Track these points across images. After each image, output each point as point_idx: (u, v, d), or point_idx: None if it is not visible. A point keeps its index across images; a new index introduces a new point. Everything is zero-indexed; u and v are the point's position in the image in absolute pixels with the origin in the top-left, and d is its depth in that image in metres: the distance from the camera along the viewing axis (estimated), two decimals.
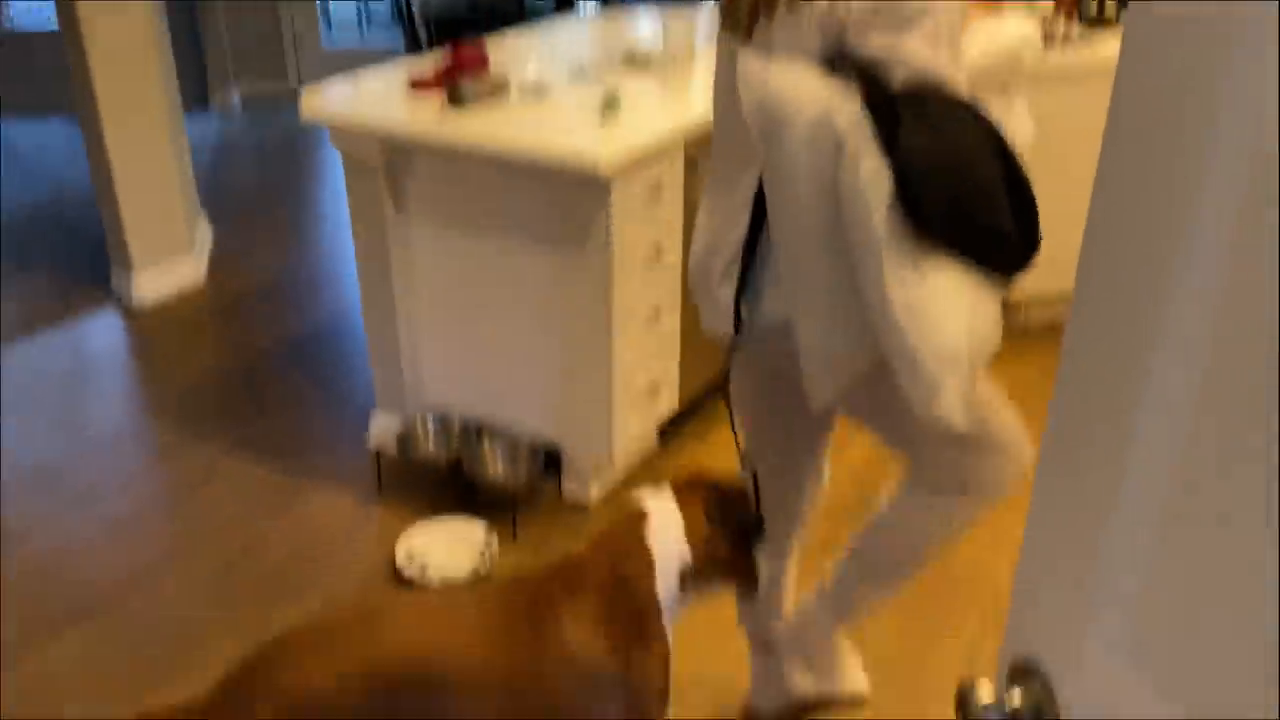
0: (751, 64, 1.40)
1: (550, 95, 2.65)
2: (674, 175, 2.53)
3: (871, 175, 1.31)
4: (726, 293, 1.56)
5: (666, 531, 1.56)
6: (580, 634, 1.47)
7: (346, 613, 1.56)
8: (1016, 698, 0.85)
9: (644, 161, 2.39)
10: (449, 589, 1.60)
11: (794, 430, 1.78)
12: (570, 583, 1.52)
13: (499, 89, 2.62)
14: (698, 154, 2.61)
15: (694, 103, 2.64)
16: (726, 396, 1.73)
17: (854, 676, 2.13)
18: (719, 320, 1.61)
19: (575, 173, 2.28)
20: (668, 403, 2.79)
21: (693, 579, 1.57)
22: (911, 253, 1.33)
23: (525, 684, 1.46)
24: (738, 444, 1.71)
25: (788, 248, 1.44)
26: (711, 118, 1.65)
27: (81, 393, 3.29)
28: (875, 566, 1.80)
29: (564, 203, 2.38)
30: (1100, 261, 0.74)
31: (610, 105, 2.51)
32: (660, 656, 1.53)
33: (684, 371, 2.81)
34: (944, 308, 1.34)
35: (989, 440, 1.61)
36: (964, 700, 0.85)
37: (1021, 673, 0.87)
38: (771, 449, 1.76)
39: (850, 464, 2.81)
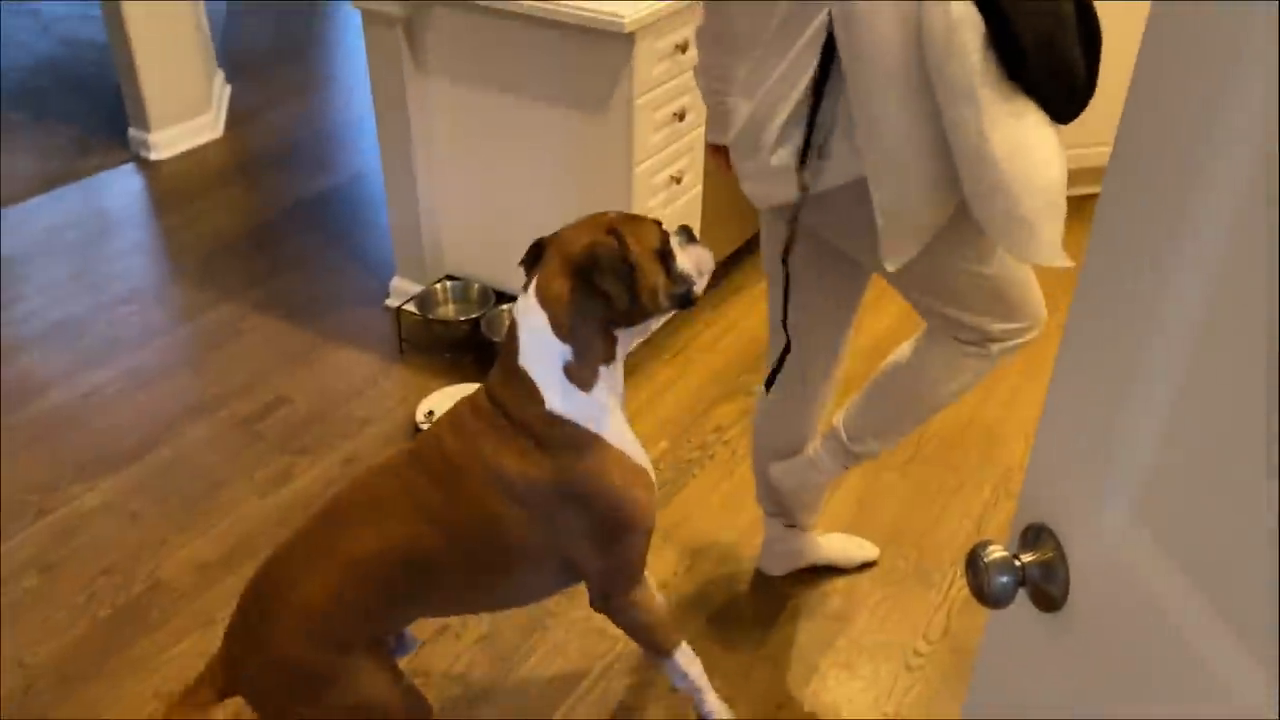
0: None
1: None
2: None
3: (964, 14, 1.27)
4: (785, 155, 1.49)
5: (537, 343, 1.45)
6: (503, 467, 1.45)
7: (309, 524, 1.53)
8: (1028, 558, 0.86)
9: (670, 18, 2.31)
10: (377, 469, 1.54)
11: (837, 292, 1.76)
12: (467, 433, 1.49)
13: None
14: None
15: None
16: (785, 260, 1.63)
17: (863, 544, 2.17)
18: (775, 186, 1.53)
19: (598, 26, 2.21)
20: None
21: (590, 360, 1.47)
22: (1007, 94, 1.31)
23: (477, 534, 1.48)
24: (774, 309, 1.68)
25: (866, 98, 1.38)
26: None
27: (102, 248, 3.29)
28: (884, 408, 1.77)
29: (586, 60, 2.31)
30: (1136, 142, 0.72)
31: None
32: (593, 462, 1.47)
33: (704, 238, 2.77)
34: (1043, 147, 1.34)
35: (1015, 303, 1.60)
36: (974, 559, 0.85)
37: (1034, 536, 0.87)
38: (808, 311, 1.74)
39: (874, 332, 2.80)
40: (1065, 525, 0.85)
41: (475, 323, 2.67)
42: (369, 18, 2.54)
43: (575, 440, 1.47)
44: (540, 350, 1.46)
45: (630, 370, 2.70)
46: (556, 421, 1.46)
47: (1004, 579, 0.85)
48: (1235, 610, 0.66)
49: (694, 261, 1.56)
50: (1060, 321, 0.86)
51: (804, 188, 1.50)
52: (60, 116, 4.07)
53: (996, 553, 0.85)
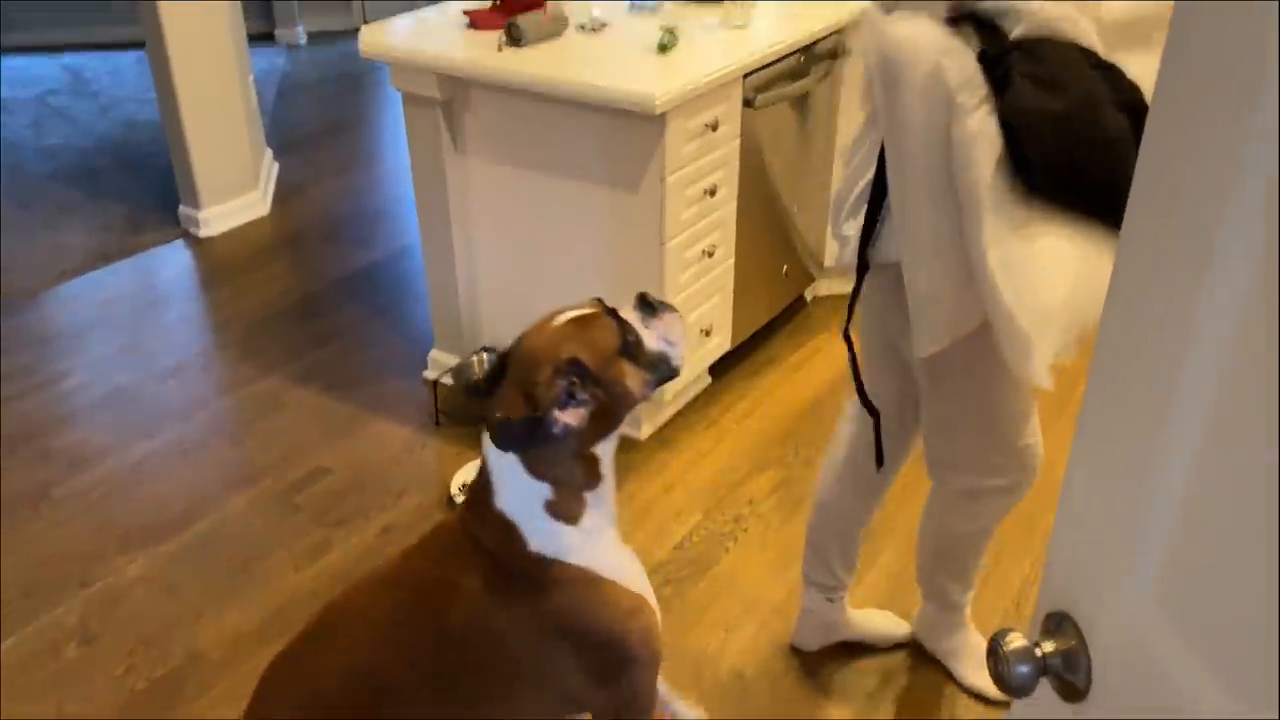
0: (874, 15, 1.42)
1: (608, 32, 2.63)
2: (731, 113, 2.50)
3: (978, 131, 1.31)
4: (850, 230, 1.59)
5: (512, 484, 1.34)
6: (487, 608, 1.36)
7: (305, 630, 1.46)
8: (1049, 647, 0.85)
9: (700, 99, 2.36)
10: (364, 585, 1.45)
11: (896, 377, 1.77)
12: (447, 564, 1.39)
13: (557, 26, 2.61)
14: (755, 93, 2.57)
15: (752, 42, 2.60)
16: (846, 333, 1.69)
17: (898, 622, 2.15)
18: (843, 255, 1.64)
19: (630, 108, 2.27)
20: (720, 342, 2.79)
21: (574, 490, 1.36)
22: (1018, 211, 1.33)
23: (463, 667, 1.38)
24: (857, 380, 1.71)
25: (898, 194, 1.44)
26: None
27: (151, 322, 3.39)
28: (937, 564, 1.95)
29: (619, 139, 2.37)
30: (1141, 244, 0.73)
31: (668, 42, 2.48)
32: (586, 599, 1.38)
33: (737, 310, 2.81)
34: (1045, 269, 1.34)
35: (1008, 447, 1.69)
36: (994, 648, 0.85)
37: (1056, 624, 0.87)
38: (877, 392, 1.76)
39: None
40: (1086, 613, 0.84)
41: None
42: (410, 100, 2.62)
43: (564, 578, 1.36)
44: (517, 491, 1.34)
45: (665, 443, 2.71)
46: (542, 562, 1.35)
47: (1024, 669, 0.85)
48: (1257, 705, 0.65)
49: (663, 334, 1.42)
50: (1075, 411, 0.87)
51: (862, 259, 1.55)
52: (115, 195, 4.21)
53: (1016, 642, 0.85)
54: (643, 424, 2.72)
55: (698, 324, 2.66)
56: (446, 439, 2.76)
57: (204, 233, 3.86)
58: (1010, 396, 1.64)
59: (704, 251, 2.58)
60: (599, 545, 1.40)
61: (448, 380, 2.79)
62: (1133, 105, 1.30)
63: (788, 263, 3.02)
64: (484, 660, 1.38)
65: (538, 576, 1.36)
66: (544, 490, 1.34)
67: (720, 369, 2.91)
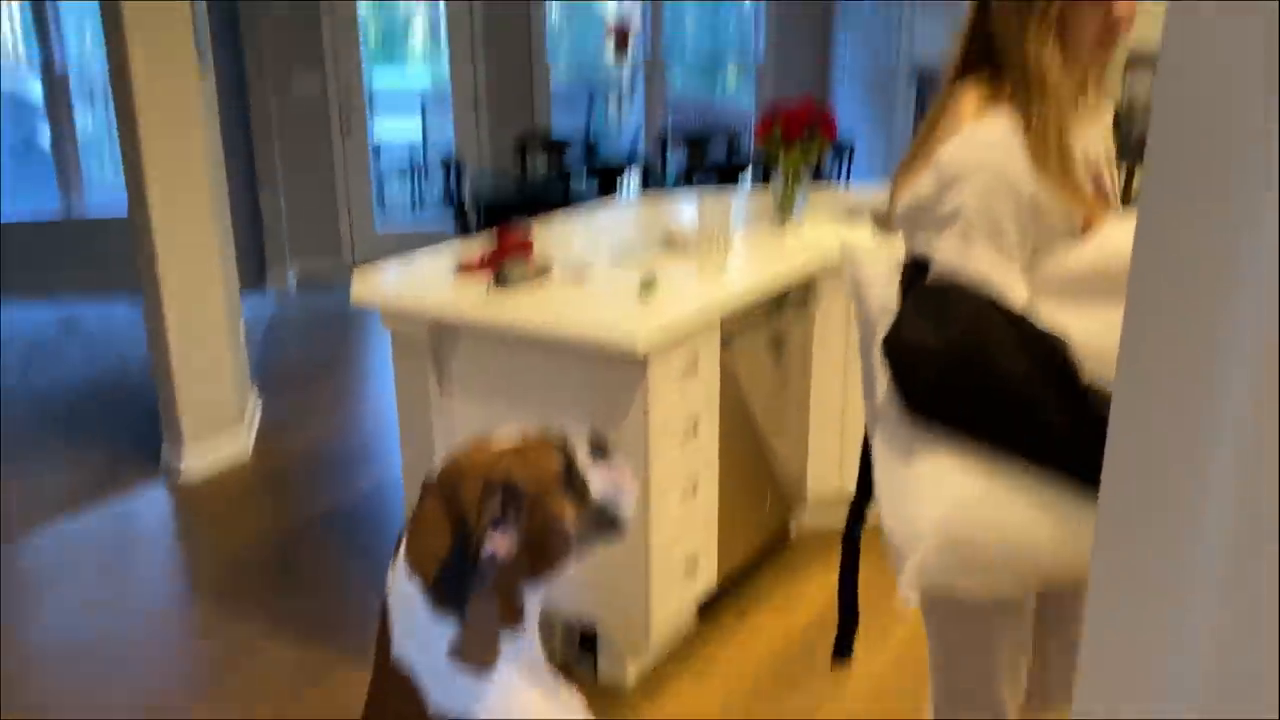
0: (853, 248, 1.60)
1: (591, 277, 2.75)
2: (710, 351, 2.58)
3: (880, 359, 1.41)
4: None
5: (412, 623, 1.25)
6: None
7: None
8: None
9: (680, 339, 2.45)
10: None
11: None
12: None
13: (542, 271, 2.73)
14: (733, 334, 2.66)
15: (729, 282, 2.72)
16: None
17: None
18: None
19: (613, 351, 2.34)
20: (706, 580, 2.75)
21: (486, 634, 1.24)
22: (902, 431, 1.39)
23: None
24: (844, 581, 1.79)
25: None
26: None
27: (122, 570, 3.31)
28: None
29: (602, 380, 2.43)
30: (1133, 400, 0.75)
31: (648, 286, 2.59)
32: None
33: (722, 548, 2.78)
34: (922, 491, 1.37)
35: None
36: None
37: None
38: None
39: (872, 671, 2.73)
40: None
41: None
42: (398, 340, 2.70)
43: None
44: (418, 632, 1.20)
45: (650, 693, 2.62)
46: None
47: None
48: None
49: (612, 480, 1.33)
50: None
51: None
52: (97, 438, 4.22)
53: None
54: (628, 668, 2.63)
55: (682, 562, 2.63)
56: None
57: (184, 474, 3.85)
58: (971, 651, 1.58)
59: (688, 488, 2.58)
60: (517, 702, 1.21)
61: None
62: (1045, 352, 1.31)
63: (770, 497, 3.03)
64: None
65: None
66: (448, 631, 1.17)
67: (707, 609, 2.86)
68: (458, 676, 1.18)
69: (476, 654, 1.19)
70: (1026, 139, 1.37)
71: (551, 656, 2.55)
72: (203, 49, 3.83)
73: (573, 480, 1.28)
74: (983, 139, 1.39)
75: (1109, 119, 1.57)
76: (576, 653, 2.61)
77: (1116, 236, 1.35)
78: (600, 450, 1.35)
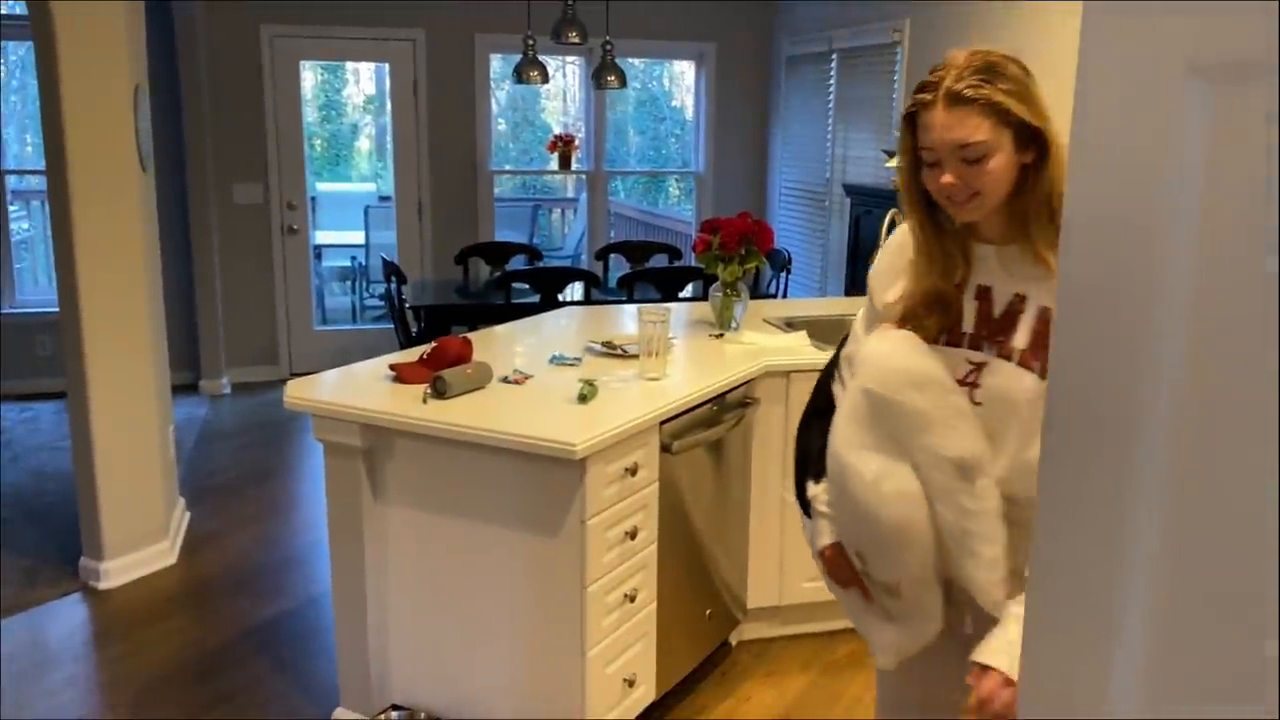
0: (858, 326, 1.81)
1: (530, 384, 2.75)
2: (649, 458, 2.58)
3: None
4: None
5: None
6: None
7: None
8: None
9: (619, 444, 2.44)
10: None
11: None
12: None
13: (481, 378, 2.72)
14: (673, 439, 2.67)
15: (669, 389, 2.73)
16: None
17: None
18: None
19: (551, 452, 2.32)
20: (645, 692, 2.69)
21: None
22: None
23: None
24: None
25: None
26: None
27: (35, 684, 3.14)
28: None
29: (540, 484, 2.40)
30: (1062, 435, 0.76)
31: (587, 393, 2.60)
32: None
33: (661, 657, 2.73)
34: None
35: None
36: None
37: None
38: None
39: None
40: None
41: None
42: (331, 449, 2.65)
43: None
44: None
45: None
46: None
47: None
48: None
49: None
50: None
51: None
52: (13, 547, 4.05)
53: None
54: None
55: (620, 673, 2.57)
56: None
57: (104, 585, 3.69)
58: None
59: (626, 595, 2.55)
60: None
61: None
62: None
63: (711, 607, 2.99)
64: None
65: None
66: None
67: None
68: None
69: None
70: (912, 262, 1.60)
71: None
72: (144, 149, 3.83)
73: None
74: (889, 244, 1.70)
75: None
76: None
77: (870, 343, 1.58)
78: None
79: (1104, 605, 0.69)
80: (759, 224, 3.32)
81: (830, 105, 6.23)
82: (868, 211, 4.77)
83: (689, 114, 7.84)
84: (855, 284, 5.12)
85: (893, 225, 3.60)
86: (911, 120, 1.49)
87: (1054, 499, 0.75)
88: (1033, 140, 1.45)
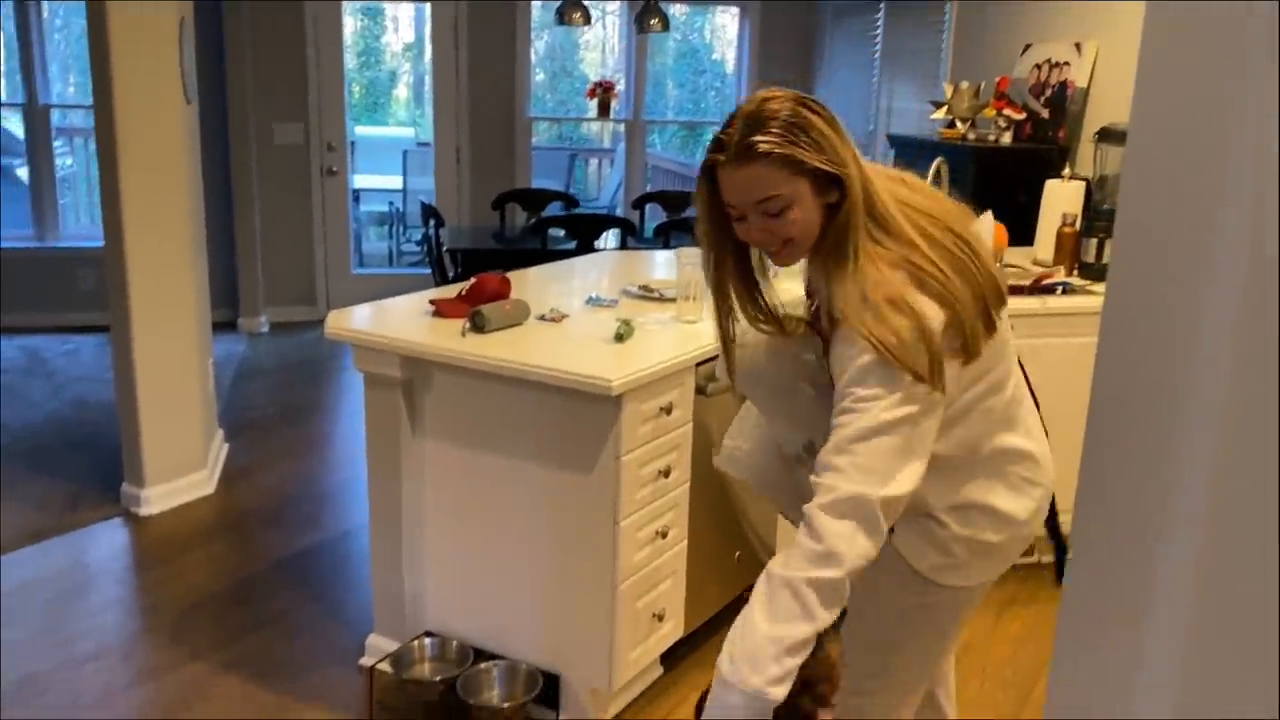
0: None
1: (567, 323, 2.75)
2: (684, 399, 2.58)
3: None
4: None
5: None
6: None
7: None
8: None
9: (655, 383, 2.45)
10: None
11: None
12: None
13: (519, 315, 2.73)
14: (708, 381, 2.67)
15: (704, 336, 2.73)
16: None
17: None
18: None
19: (587, 389, 2.33)
20: (673, 627, 2.72)
21: None
22: None
23: None
24: None
25: None
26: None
27: (78, 604, 3.23)
28: None
29: (576, 420, 2.42)
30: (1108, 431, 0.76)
31: (624, 333, 2.60)
32: None
33: (690, 595, 2.76)
34: None
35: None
36: None
37: None
38: None
39: None
40: None
41: (452, 684, 2.57)
42: (371, 380, 2.68)
43: None
44: None
45: None
46: None
47: None
48: None
49: None
50: None
51: None
52: (57, 473, 4.14)
53: None
54: (590, 717, 2.58)
55: (650, 607, 2.60)
56: None
57: (144, 511, 3.77)
58: (912, 657, 1.69)
59: (657, 532, 2.57)
60: None
61: (386, 667, 2.66)
62: None
63: (740, 549, 3.01)
64: None
65: None
66: None
67: (672, 658, 2.81)
68: None
69: None
70: None
71: (513, 704, 2.51)
72: (188, 82, 3.85)
73: None
74: None
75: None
76: (539, 700, 2.56)
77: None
78: None
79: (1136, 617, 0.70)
80: None
81: (876, 56, 6.14)
82: (910, 162, 4.70)
83: (729, 67, 7.76)
84: None
85: (938, 173, 3.56)
86: (709, 174, 1.51)
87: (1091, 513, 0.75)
88: (832, 182, 1.46)
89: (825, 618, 1.40)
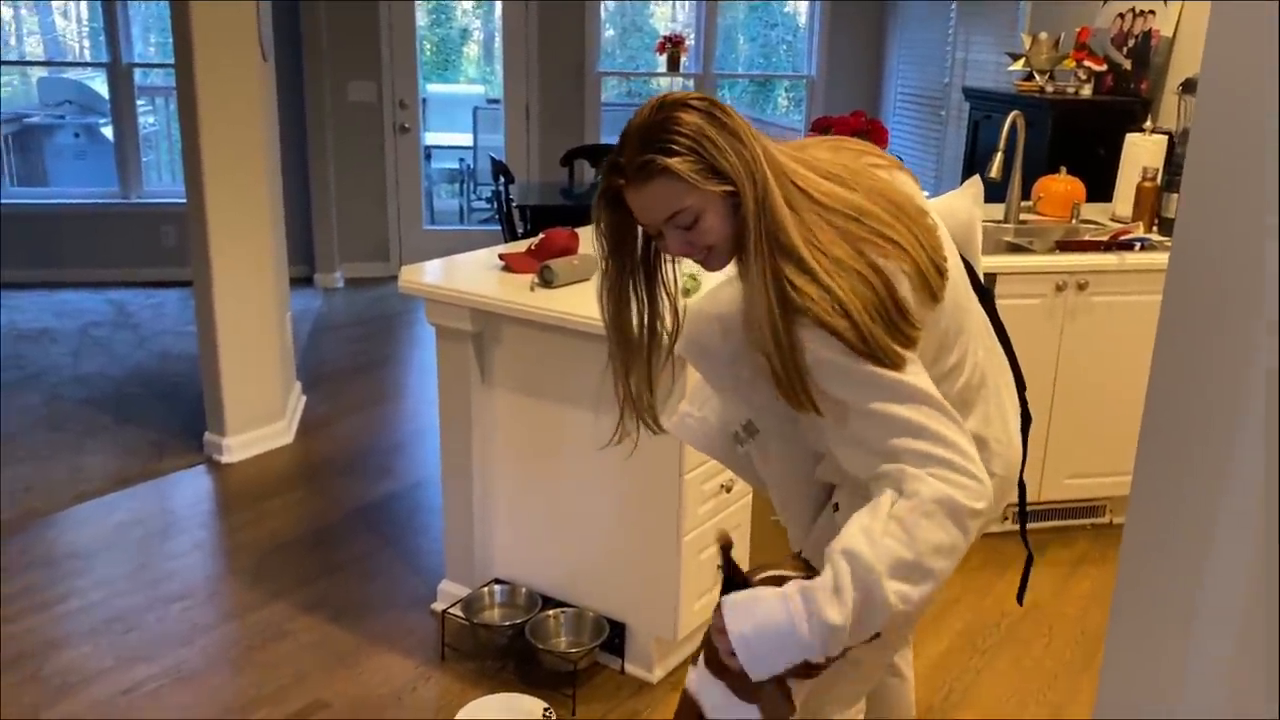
0: None
1: None
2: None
3: None
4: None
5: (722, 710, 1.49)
6: None
7: None
8: None
9: None
10: None
11: None
12: None
13: (586, 270, 2.75)
14: None
15: None
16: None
17: None
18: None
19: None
20: None
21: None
22: None
23: None
24: None
25: None
26: None
27: (163, 546, 3.37)
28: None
29: None
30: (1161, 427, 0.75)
31: (690, 287, 2.60)
32: None
33: (754, 548, 2.78)
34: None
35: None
36: None
37: None
38: None
39: (931, 657, 2.71)
40: None
41: (520, 628, 2.64)
42: (443, 333, 2.73)
43: None
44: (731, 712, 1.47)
45: (677, 685, 2.61)
46: None
47: None
48: None
49: None
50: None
51: None
52: (142, 421, 4.31)
53: None
54: (655, 666, 2.63)
55: (715, 559, 2.62)
56: (451, 675, 2.67)
57: (226, 459, 3.91)
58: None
59: (722, 486, 2.59)
60: None
61: (457, 612, 2.73)
62: None
63: None
64: None
65: None
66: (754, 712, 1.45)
67: None
68: None
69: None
70: None
71: (580, 650, 2.57)
72: (265, 38, 3.92)
73: None
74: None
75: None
76: (604, 648, 2.61)
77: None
78: None
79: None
80: (873, 122, 3.24)
81: (953, 7, 5.99)
82: (987, 116, 4.61)
83: (801, 20, 7.63)
84: None
85: (1014, 126, 3.48)
86: (613, 200, 1.47)
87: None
88: (732, 183, 1.40)
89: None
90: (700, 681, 1.52)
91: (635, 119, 1.45)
